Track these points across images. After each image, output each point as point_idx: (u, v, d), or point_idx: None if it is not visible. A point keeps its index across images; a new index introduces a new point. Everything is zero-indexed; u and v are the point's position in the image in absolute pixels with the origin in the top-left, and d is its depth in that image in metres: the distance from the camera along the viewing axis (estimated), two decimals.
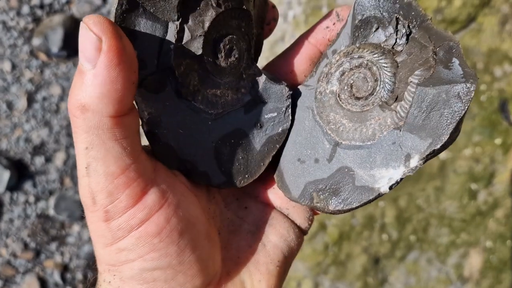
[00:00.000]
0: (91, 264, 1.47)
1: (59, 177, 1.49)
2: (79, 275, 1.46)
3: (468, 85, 0.29)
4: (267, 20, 0.39)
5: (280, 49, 1.12)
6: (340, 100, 0.36)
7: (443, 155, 1.18)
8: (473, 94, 0.29)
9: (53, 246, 1.46)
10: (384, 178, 0.32)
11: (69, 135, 1.50)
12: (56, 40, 1.47)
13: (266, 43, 1.12)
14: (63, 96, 1.51)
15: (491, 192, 1.18)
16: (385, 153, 0.33)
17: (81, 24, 0.27)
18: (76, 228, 1.49)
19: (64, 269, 1.46)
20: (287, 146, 0.39)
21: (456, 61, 0.31)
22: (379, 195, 0.32)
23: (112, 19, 0.31)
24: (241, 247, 0.37)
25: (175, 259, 0.31)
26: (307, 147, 0.38)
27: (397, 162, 0.32)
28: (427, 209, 1.20)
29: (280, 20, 1.09)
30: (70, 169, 1.49)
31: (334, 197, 0.35)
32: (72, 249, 1.47)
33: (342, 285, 1.21)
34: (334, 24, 0.37)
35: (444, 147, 0.30)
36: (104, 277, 0.32)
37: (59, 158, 1.50)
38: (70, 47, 1.49)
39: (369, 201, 0.33)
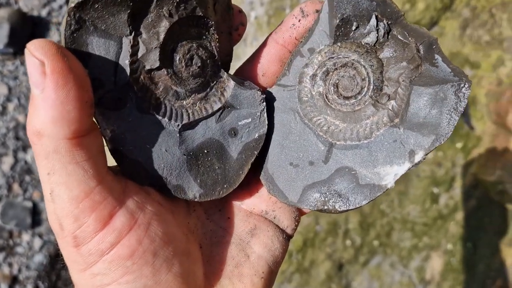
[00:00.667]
0: (42, 274, 1.39)
1: (6, 183, 1.40)
2: (29, 287, 1.38)
3: (463, 83, 0.32)
4: (234, 25, 0.38)
5: (242, 51, 1.08)
6: (329, 101, 0.37)
7: None
8: (469, 91, 0.32)
9: (0, 256, 1.37)
10: (389, 175, 0.34)
11: (18, 138, 1.40)
12: (1, 36, 1.37)
13: None
14: (10, 96, 1.41)
15: (452, 195, 1.19)
16: (387, 151, 0.35)
17: (25, 50, 0.27)
18: (25, 237, 1.41)
19: (13, 281, 1.38)
20: (273, 151, 0.39)
21: (439, 58, 0.33)
22: (386, 190, 0.35)
23: (62, 40, 0.31)
24: (224, 259, 0.37)
25: (150, 279, 0.31)
26: (298, 150, 0.38)
27: (402, 159, 0.34)
28: (390, 214, 1.20)
29: None
30: (18, 175, 1.40)
31: (340, 198, 0.36)
32: (21, 259, 1.39)
33: None
34: (299, 21, 0.37)
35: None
36: None
37: (6, 162, 1.40)
38: (16, 44, 1.39)
39: (377, 197, 0.35)
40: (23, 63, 1.43)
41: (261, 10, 1.05)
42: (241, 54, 1.04)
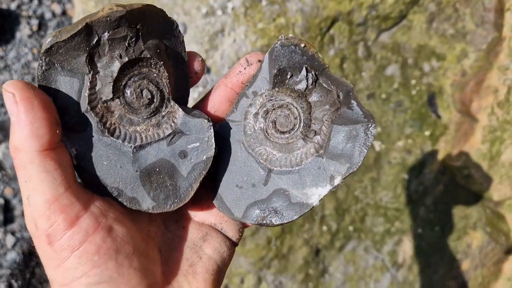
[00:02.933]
0: (16, 272, 1.36)
1: None
2: (1, 286, 1.34)
3: (371, 124, 0.40)
4: (194, 69, 0.47)
5: (220, 42, 1.10)
6: (268, 135, 0.45)
7: (378, 147, 1.22)
8: (375, 130, 0.40)
9: None
10: (315, 195, 0.42)
11: None
12: None
13: (206, 36, 1.09)
14: None
15: (421, 181, 1.24)
16: (313, 176, 0.43)
17: (2, 89, 0.34)
18: None
19: None
20: (222, 175, 0.46)
21: (354, 103, 0.41)
22: (312, 208, 0.43)
23: (36, 78, 0.39)
24: (181, 260, 0.44)
25: (115, 272, 0.37)
26: (243, 175, 0.45)
27: (324, 182, 0.42)
28: (364, 200, 1.23)
29: (219, 12, 1.07)
30: None
31: (276, 214, 0.43)
32: None
33: (285, 278, 1.21)
34: (245, 68, 0.45)
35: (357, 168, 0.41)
36: None
37: None
38: None
39: (305, 213, 0.43)
40: None
41: (238, 1, 1.07)
42: (218, 44, 1.05)
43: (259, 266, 1.19)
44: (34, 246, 0.36)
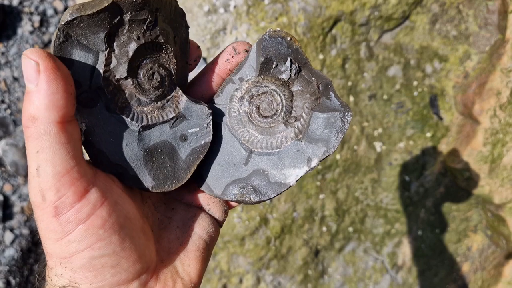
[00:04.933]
0: (14, 269, 1.35)
1: None
2: None
3: (347, 113, 0.44)
4: (193, 57, 0.49)
5: (221, 39, 1.10)
6: (251, 118, 0.48)
7: (379, 148, 1.22)
8: (351, 118, 0.44)
9: None
10: (292, 175, 0.45)
11: None
12: None
13: (207, 34, 1.08)
14: None
15: (422, 183, 1.24)
16: (291, 157, 0.46)
17: (22, 56, 0.35)
18: None
19: None
20: (206, 155, 0.49)
21: (332, 94, 0.45)
22: (289, 187, 0.45)
23: (52, 49, 0.39)
24: (172, 240, 0.46)
25: (118, 246, 0.38)
26: (225, 154, 0.48)
27: (302, 164, 0.45)
28: (364, 201, 1.23)
29: (221, 10, 1.06)
30: None
31: (254, 192, 0.46)
32: None
33: (284, 279, 1.21)
34: (232, 57, 0.48)
35: (333, 152, 0.41)
36: (55, 271, 0.37)
37: None
38: None
39: (282, 192, 0.46)
40: None
41: None
42: (220, 42, 1.05)
43: (258, 266, 1.18)
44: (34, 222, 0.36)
